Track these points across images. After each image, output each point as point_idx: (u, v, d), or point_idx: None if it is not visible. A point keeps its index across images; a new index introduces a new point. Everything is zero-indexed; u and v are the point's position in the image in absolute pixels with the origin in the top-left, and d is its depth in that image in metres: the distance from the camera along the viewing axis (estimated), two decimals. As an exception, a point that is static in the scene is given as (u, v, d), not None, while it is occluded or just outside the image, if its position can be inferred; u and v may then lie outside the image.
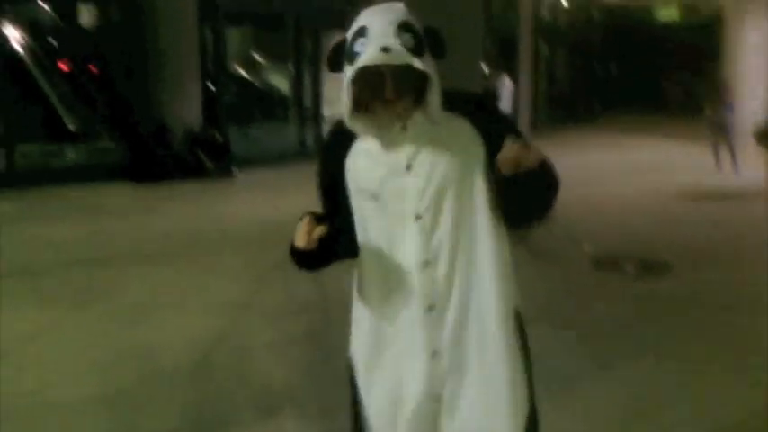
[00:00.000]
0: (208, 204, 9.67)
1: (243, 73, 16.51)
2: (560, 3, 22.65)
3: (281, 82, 16.10)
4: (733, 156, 12.38)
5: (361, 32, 1.80)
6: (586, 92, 22.82)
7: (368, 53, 1.77)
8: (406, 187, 1.90)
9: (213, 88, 12.75)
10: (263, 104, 16.23)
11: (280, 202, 9.60)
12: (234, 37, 16.48)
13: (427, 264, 1.92)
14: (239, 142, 13.41)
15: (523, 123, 18.67)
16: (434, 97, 1.84)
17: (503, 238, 1.97)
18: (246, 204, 9.68)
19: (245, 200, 10.06)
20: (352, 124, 1.88)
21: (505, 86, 15.17)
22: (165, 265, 6.69)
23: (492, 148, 1.86)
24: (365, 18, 1.83)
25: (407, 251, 1.93)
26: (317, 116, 14.52)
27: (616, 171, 11.94)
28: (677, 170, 12.52)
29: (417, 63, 1.77)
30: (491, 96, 2.01)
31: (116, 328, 5.12)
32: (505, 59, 19.18)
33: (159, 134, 11.28)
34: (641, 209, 9.41)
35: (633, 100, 23.69)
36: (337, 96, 1.89)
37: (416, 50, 1.78)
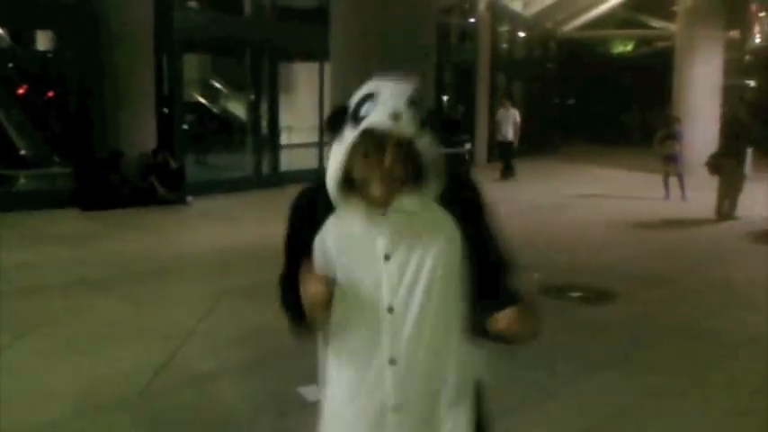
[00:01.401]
0: (160, 232, 9.55)
1: (200, 99, 16.43)
2: (517, 34, 23.05)
3: (238, 109, 16.07)
4: (681, 184, 12.71)
5: (371, 96, 1.75)
6: (545, 123, 23.19)
7: (376, 116, 1.72)
8: (381, 277, 1.84)
9: (169, 114, 12.66)
10: (220, 131, 16.16)
11: (234, 230, 9.55)
12: (191, 63, 16.43)
13: (393, 361, 1.85)
14: (194, 169, 13.33)
15: (481, 154, 18.88)
16: (433, 180, 1.79)
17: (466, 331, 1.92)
18: (199, 232, 9.59)
19: (198, 228, 9.96)
20: (337, 195, 1.80)
21: (511, 117, 15.43)
22: (114, 292, 6.58)
23: (467, 232, 1.85)
24: (375, 85, 1.79)
25: (376, 340, 1.86)
26: (273, 144, 14.50)
27: (568, 200, 12.10)
28: (629, 199, 12.75)
29: (420, 140, 1.73)
30: (467, 177, 1.99)
31: (63, 355, 5.00)
32: (462, 90, 19.43)
33: (112, 160, 11.15)
34: (591, 236, 9.57)
35: (590, 131, 24.12)
36: (330, 162, 1.81)
37: (422, 126, 1.74)
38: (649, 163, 14.04)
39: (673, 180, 12.83)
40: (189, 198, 11.63)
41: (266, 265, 8.49)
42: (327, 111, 10.58)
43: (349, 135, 1.75)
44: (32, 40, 15.06)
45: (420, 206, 1.82)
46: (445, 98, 19.39)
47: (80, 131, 11.68)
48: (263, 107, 14.48)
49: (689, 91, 16.47)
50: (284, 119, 14.88)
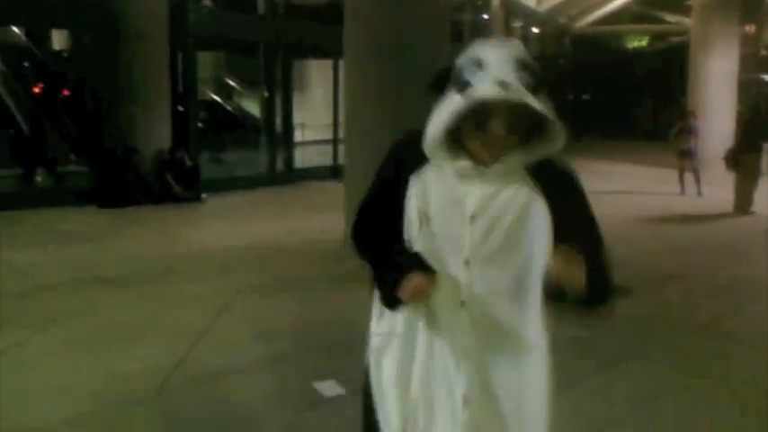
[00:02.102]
0: (175, 229, 9.60)
1: (215, 97, 16.50)
2: (531, 30, 22.97)
3: (252, 107, 16.12)
4: (697, 179, 12.64)
5: (478, 64, 1.76)
6: (559, 119, 23.04)
7: (485, 86, 1.72)
8: (464, 235, 1.88)
9: (184, 112, 12.72)
10: (235, 129, 16.22)
11: (248, 228, 9.58)
12: (206, 61, 16.50)
13: (463, 304, 1.90)
14: (209, 167, 13.39)
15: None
16: (553, 135, 1.82)
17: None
18: (214, 230, 9.63)
19: (212, 225, 10.00)
20: (435, 151, 1.85)
21: None
22: (129, 290, 6.62)
23: (558, 221, 1.85)
24: (481, 50, 1.79)
25: (451, 290, 1.89)
26: (287, 142, 14.53)
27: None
28: (645, 194, 12.68)
29: (533, 103, 1.73)
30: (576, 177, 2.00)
31: (78, 352, 5.04)
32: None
33: (128, 158, 11.22)
34: (606, 232, 9.49)
35: (605, 127, 24.00)
36: (431, 121, 1.84)
37: (534, 89, 1.74)
38: (664, 158, 13.97)
39: (688, 175, 12.75)
40: (204, 195, 11.68)
41: (281, 261, 8.60)
42: (342, 108, 10.61)
43: (454, 101, 1.77)
44: (48, 39, 15.17)
45: (517, 170, 1.86)
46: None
47: (96, 129, 11.76)
48: (277, 105, 14.52)
49: (704, 85, 16.34)
50: (298, 116, 14.92)
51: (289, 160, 14.57)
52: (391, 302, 1.93)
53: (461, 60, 1.80)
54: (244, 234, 9.20)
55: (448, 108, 1.78)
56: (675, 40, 24.08)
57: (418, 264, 1.86)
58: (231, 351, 5.11)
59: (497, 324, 1.92)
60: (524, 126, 1.81)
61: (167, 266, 7.53)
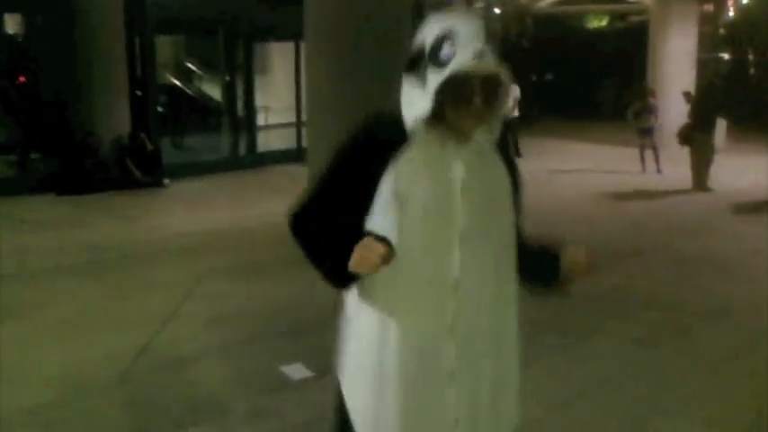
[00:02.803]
0: (137, 216, 9.48)
1: (174, 81, 16.26)
2: (493, 10, 22.98)
3: (213, 90, 15.93)
4: (656, 157, 12.82)
5: (448, 36, 1.73)
6: (521, 99, 23.20)
7: (461, 58, 1.71)
8: (456, 207, 1.86)
9: (143, 96, 12.52)
10: (195, 113, 16.01)
11: (211, 213, 9.50)
12: (165, 45, 16.24)
13: (457, 283, 1.86)
14: (171, 152, 13.21)
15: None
16: (504, 107, 1.87)
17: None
18: (177, 215, 9.53)
19: (175, 211, 9.90)
20: (421, 128, 1.82)
21: (514, 94, 15.33)
22: (92, 278, 6.54)
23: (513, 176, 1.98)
24: (450, 22, 1.77)
25: (447, 265, 1.86)
26: (250, 125, 14.40)
27: (544, 175, 12.15)
28: (605, 173, 12.82)
29: (503, 74, 1.76)
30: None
31: (40, 342, 4.98)
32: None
33: (86, 144, 11.02)
34: (568, 210, 9.62)
35: (567, 106, 24.17)
36: (408, 100, 1.83)
37: (500, 60, 1.77)
38: (626, 137, 14.12)
39: (649, 153, 12.92)
40: (165, 181, 11.53)
41: (245, 246, 8.55)
42: (304, 91, 10.49)
43: (433, 78, 1.75)
44: (1, 24, 14.80)
45: (489, 140, 1.90)
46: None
47: (53, 116, 11.53)
48: (239, 88, 14.36)
49: (663, 64, 16.54)
50: (260, 99, 14.77)
51: (252, 144, 14.43)
52: (338, 277, 1.89)
53: (430, 35, 1.78)
54: (207, 219, 9.12)
55: (430, 83, 1.76)
56: (635, 19, 24.30)
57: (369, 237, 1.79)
58: (196, 336, 5.08)
59: (484, 302, 1.90)
60: (496, 96, 1.81)
61: (129, 253, 7.44)
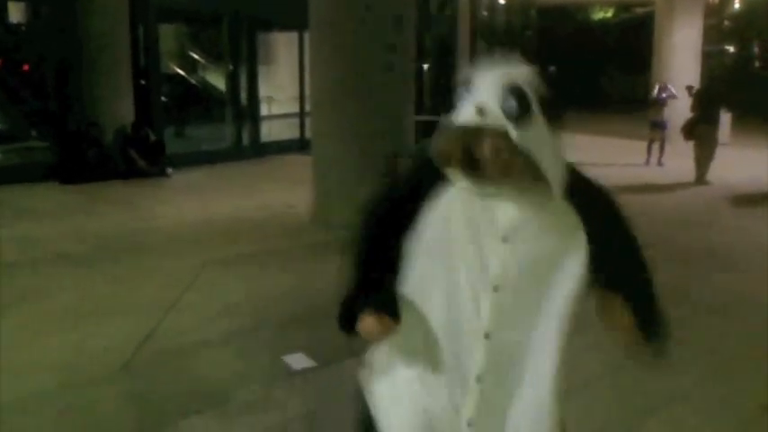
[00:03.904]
0: (140, 205, 9.50)
1: (178, 71, 16.24)
2: (497, 2, 22.92)
3: (217, 80, 15.91)
4: (662, 150, 12.81)
5: (468, 86, 1.73)
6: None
7: (464, 110, 1.71)
8: (494, 257, 1.80)
9: (147, 86, 12.51)
10: (199, 103, 16.00)
11: (214, 203, 9.51)
12: (169, 34, 16.22)
13: (489, 335, 1.82)
14: (174, 141, 13.22)
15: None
16: (547, 170, 1.72)
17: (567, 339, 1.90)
18: (180, 205, 9.53)
19: (178, 200, 9.90)
20: (447, 169, 1.80)
21: None
22: (94, 267, 6.55)
23: (592, 240, 1.79)
24: (477, 71, 1.75)
25: (475, 319, 1.82)
26: (253, 115, 14.39)
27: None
28: (609, 165, 12.76)
29: (513, 132, 1.66)
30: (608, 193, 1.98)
31: (43, 330, 4.98)
32: (443, 59, 19.37)
33: (90, 133, 11.03)
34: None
35: (571, 98, 24.14)
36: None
37: (517, 120, 1.66)
38: (629, 129, 14.10)
39: (656, 146, 12.93)
40: (169, 170, 11.55)
41: (248, 236, 8.55)
42: (308, 81, 10.50)
43: (446, 121, 1.75)
44: (5, 12, 14.78)
45: (539, 196, 1.77)
46: (425, 67, 19.29)
47: (57, 105, 11.54)
48: (243, 78, 14.34)
49: (669, 57, 16.49)
50: (264, 89, 14.75)
51: (255, 134, 14.43)
52: (343, 326, 1.99)
53: (462, 82, 1.77)
54: (210, 209, 9.13)
55: (441, 130, 1.78)
56: (640, 10, 24.21)
57: (383, 306, 1.84)
58: (199, 326, 5.09)
59: (515, 354, 1.85)
60: (521, 153, 1.71)
61: (133, 242, 7.45)
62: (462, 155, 1.77)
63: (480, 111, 1.67)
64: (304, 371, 4.34)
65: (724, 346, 4.75)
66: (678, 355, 4.55)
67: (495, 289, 1.80)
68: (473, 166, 1.78)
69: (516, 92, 1.67)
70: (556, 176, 1.74)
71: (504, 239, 1.80)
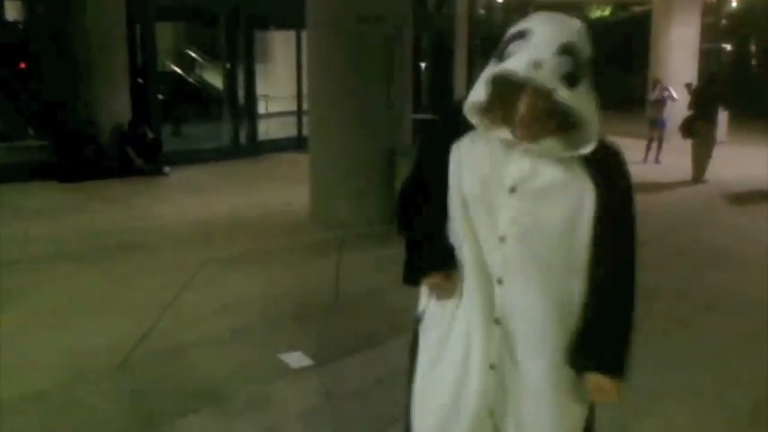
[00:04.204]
0: (137, 203, 9.49)
1: (176, 69, 16.24)
2: (495, 1, 22.92)
3: (214, 78, 15.91)
4: (660, 148, 12.84)
5: (522, 35, 1.68)
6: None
7: (515, 62, 1.65)
8: (500, 207, 1.84)
9: (144, 84, 12.50)
10: (197, 101, 16.00)
11: (212, 201, 9.50)
12: (166, 32, 16.21)
13: (501, 281, 1.88)
14: (172, 140, 13.21)
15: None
16: (584, 134, 1.75)
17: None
18: (177, 203, 9.53)
19: (175, 199, 9.90)
20: (474, 117, 1.80)
21: None
22: (92, 265, 6.54)
23: (603, 203, 1.82)
24: (534, 22, 1.71)
25: (489, 267, 1.89)
26: (250, 114, 14.39)
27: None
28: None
29: (561, 93, 1.65)
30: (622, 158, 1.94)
31: (40, 328, 4.98)
32: (440, 57, 19.36)
33: (87, 131, 11.01)
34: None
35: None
36: (475, 86, 1.79)
37: (569, 78, 1.66)
38: (627, 127, 14.08)
39: (654, 144, 12.98)
40: (166, 169, 11.54)
41: (245, 234, 8.54)
42: (305, 79, 10.48)
43: (489, 69, 1.73)
44: (2, 11, 14.75)
45: (562, 157, 1.78)
46: (423, 66, 19.29)
47: (54, 103, 11.52)
48: (240, 76, 14.33)
49: (666, 55, 16.51)
50: (261, 88, 14.75)
51: (252, 132, 14.43)
52: (410, 281, 2.07)
53: (512, 28, 1.74)
54: (208, 207, 9.13)
55: (486, 74, 1.74)
56: (637, 9, 24.21)
57: (442, 261, 1.95)
58: (196, 324, 5.09)
59: (528, 302, 1.88)
60: (557, 113, 1.72)
61: (130, 241, 7.44)
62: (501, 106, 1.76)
63: (537, 65, 1.63)
64: (302, 369, 4.34)
65: (719, 344, 4.76)
66: (673, 353, 4.58)
67: (502, 240, 1.85)
68: (504, 119, 1.79)
69: (572, 51, 1.67)
70: (594, 136, 1.77)
71: (512, 190, 1.82)
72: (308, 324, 5.09)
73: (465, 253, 1.91)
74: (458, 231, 1.92)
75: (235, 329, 4.99)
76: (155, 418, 3.76)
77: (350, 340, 4.71)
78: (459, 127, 1.86)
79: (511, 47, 1.68)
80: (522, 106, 1.71)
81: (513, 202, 1.83)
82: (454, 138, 1.89)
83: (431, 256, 1.98)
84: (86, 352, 4.57)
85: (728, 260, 6.87)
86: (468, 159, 1.87)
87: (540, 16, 1.73)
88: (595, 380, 1.91)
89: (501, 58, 1.70)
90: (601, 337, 1.91)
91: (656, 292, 5.79)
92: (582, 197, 1.82)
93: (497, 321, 1.90)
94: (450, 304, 1.97)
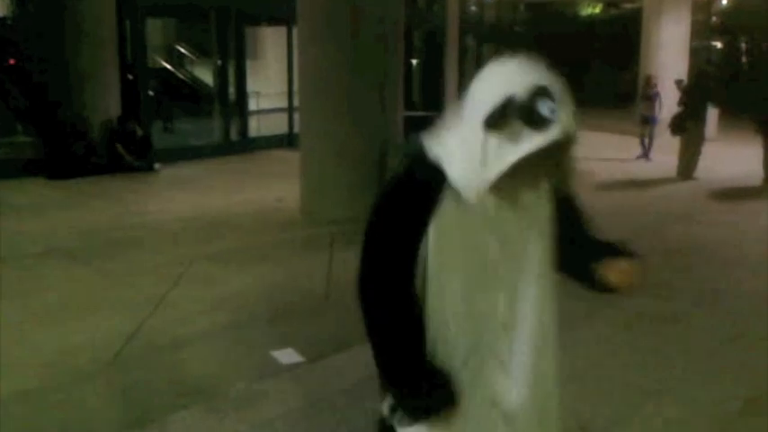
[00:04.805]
0: (128, 200, 9.45)
1: (165, 65, 16.18)
2: (486, -3, 22.93)
3: (204, 75, 15.86)
4: (650, 145, 12.91)
5: (544, 93, 1.60)
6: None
7: (567, 120, 1.61)
8: (497, 265, 1.81)
9: (134, 80, 12.44)
10: (187, 98, 15.95)
11: (202, 198, 9.48)
12: (156, 29, 16.14)
13: (506, 326, 1.85)
14: (162, 136, 13.17)
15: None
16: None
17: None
18: (168, 200, 9.50)
19: (166, 195, 9.87)
20: (486, 186, 1.69)
21: None
22: (81, 262, 6.52)
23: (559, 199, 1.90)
24: (535, 75, 1.64)
25: (493, 311, 1.84)
26: (241, 110, 14.35)
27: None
28: (596, 160, 12.82)
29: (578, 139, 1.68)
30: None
31: (30, 326, 4.96)
32: (431, 54, 19.38)
33: (77, 127, 10.95)
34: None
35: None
36: (486, 155, 1.64)
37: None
38: (616, 124, 14.16)
39: (645, 140, 13.06)
40: (157, 165, 11.50)
41: (236, 231, 8.52)
42: (296, 76, 10.46)
43: (531, 137, 1.59)
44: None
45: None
46: (414, 62, 19.30)
47: (44, 99, 11.46)
48: (230, 73, 14.30)
49: (657, 52, 16.55)
50: (252, 84, 14.71)
51: (243, 129, 14.40)
52: (410, 415, 1.83)
53: (521, 91, 1.61)
54: (198, 204, 9.10)
55: (525, 143, 1.60)
56: (628, 6, 24.28)
57: (445, 399, 1.78)
58: (187, 321, 5.07)
59: (529, 338, 1.90)
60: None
61: (120, 238, 7.42)
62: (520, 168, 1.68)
63: (576, 117, 1.64)
64: (293, 366, 4.34)
65: (709, 340, 4.78)
66: (662, 349, 4.60)
67: (505, 289, 1.84)
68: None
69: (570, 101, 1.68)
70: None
71: (523, 246, 1.84)
72: (300, 321, 5.08)
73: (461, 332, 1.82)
74: (444, 309, 1.81)
75: (226, 326, 4.98)
76: (145, 414, 3.74)
77: (341, 337, 4.71)
78: (437, 188, 1.74)
79: (543, 109, 1.59)
80: (564, 159, 1.70)
81: (522, 251, 1.86)
82: (436, 197, 1.74)
83: (436, 396, 1.78)
84: (77, 349, 4.56)
85: (717, 257, 6.90)
86: (467, 222, 1.77)
87: (525, 66, 1.70)
88: (618, 264, 1.86)
89: (539, 126, 1.59)
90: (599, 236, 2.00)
91: (643, 288, 5.81)
92: (549, 209, 1.90)
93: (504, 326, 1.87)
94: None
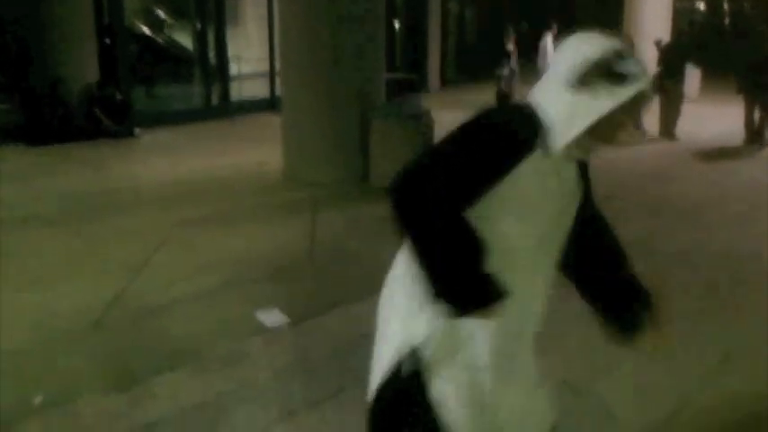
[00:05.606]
0: (108, 165, 9.37)
1: (144, 29, 15.92)
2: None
3: (184, 39, 15.63)
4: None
5: (622, 54, 1.77)
6: (499, 49, 23.02)
7: (645, 75, 1.79)
8: (554, 217, 1.98)
9: (111, 44, 12.24)
10: (168, 62, 15.73)
11: (184, 162, 9.42)
12: (134, -8, 15.85)
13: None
14: (141, 101, 13.00)
15: (434, 81, 18.81)
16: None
17: None
18: (148, 165, 9.42)
19: (146, 160, 9.78)
20: (571, 142, 1.83)
21: (548, 44, 15.50)
22: (63, 228, 6.47)
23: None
24: (610, 41, 1.81)
25: (542, 274, 2.11)
26: (222, 74, 14.20)
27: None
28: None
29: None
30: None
31: (11, 292, 4.92)
32: (414, 16, 19.19)
33: (54, 92, 10.79)
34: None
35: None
36: (571, 113, 1.79)
37: None
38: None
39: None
40: (137, 130, 11.38)
41: (218, 195, 8.47)
42: (277, 39, 10.31)
43: (612, 93, 1.75)
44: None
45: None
46: (396, 25, 19.12)
47: (20, 65, 11.26)
48: (210, 36, 14.11)
49: (639, 13, 16.49)
50: (233, 48, 14.53)
51: (224, 93, 14.26)
52: (456, 311, 1.87)
53: (603, 53, 1.77)
54: (180, 168, 9.04)
55: (606, 99, 1.76)
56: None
57: (495, 293, 1.85)
58: (170, 284, 5.07)
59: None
60: None
61: (102, 203, 7.37)
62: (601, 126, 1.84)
63: (648, 77, 1.81)
64: (278, 327, 4.35)
65: (687, 297, 4.84)
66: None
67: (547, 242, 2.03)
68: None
69: None
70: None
71: (563, 198, 1.99)
72: (284, 283, 5.09)
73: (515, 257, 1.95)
74: (506, 234, 1.90)
75: (210, 289, 4.98)
76: (131, 376, 3.75)
77: (325, 299, 4.73)
78: (533, 142, 1.83)
79: (625, 68, 1.76)
80: (642, 112, 1.94)
81: (561, 211, 2.03)
82: (529, 151, 1.83)
83: (486, 290, 1.85)
84: (60, 313, 4.55)
85: (698, 215, 6.96)
86: (539, 179, 1.87)
87: (608, 37, 1.82)
88: (653, 335, 2.25)
89: (621, 82, 1.75)
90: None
91: (625, 243, 5.86)
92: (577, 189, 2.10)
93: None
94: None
